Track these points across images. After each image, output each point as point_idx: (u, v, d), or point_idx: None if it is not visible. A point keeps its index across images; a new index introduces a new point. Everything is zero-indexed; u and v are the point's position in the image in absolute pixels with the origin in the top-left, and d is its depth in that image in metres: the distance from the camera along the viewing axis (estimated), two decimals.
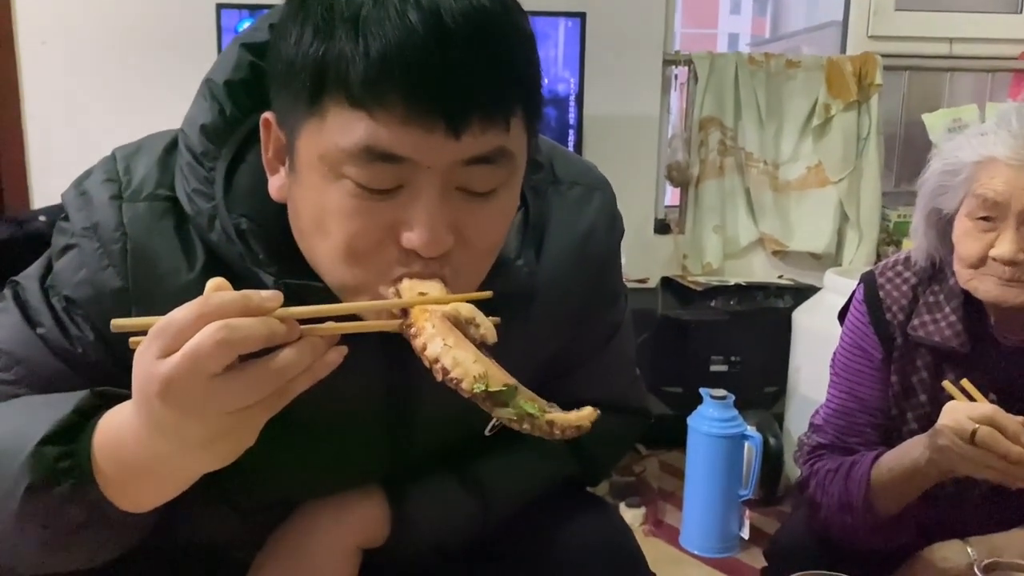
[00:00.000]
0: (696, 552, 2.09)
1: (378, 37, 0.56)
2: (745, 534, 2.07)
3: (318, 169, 0.61)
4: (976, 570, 0.87)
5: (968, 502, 1.10)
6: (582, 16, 2.48)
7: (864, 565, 0.94)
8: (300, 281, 0.67)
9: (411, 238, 0.60)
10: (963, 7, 3.00)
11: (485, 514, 0.87)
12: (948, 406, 0.97)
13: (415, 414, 0.80)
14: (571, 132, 2.56)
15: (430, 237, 0.60)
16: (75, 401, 0.63)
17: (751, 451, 2.09)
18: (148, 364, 0.53)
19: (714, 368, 2.59)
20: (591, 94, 2.58)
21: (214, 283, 0.56)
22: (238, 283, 0.59)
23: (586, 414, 0.59)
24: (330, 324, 0.57)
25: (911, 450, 1.03)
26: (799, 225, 2.91)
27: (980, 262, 1.03)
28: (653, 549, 2.05)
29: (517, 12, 0.63)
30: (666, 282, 2.78)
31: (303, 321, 0.55)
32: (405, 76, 0.57)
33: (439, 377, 0.56)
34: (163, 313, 0.55)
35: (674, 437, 2.25)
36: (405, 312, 0.60)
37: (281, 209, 0.68)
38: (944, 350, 1.09)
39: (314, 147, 0.60)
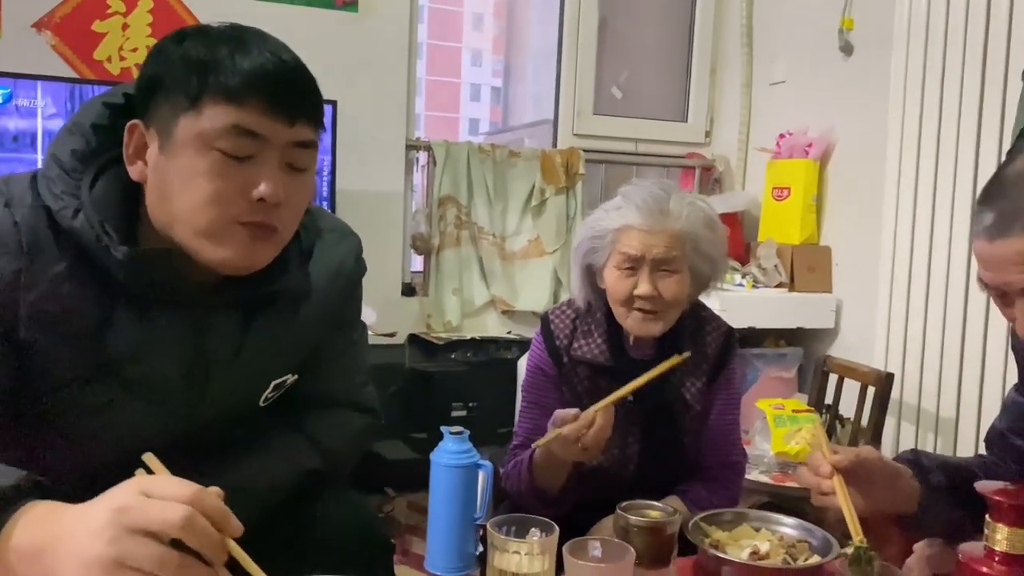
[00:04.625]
0: (439, 573, 2.28)
1: (247, 60, 0.88)
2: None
3: (192, 145, 0.87)
4: (618, 510, 1.20)
5: (622, 482, 1.44)
6: (334, 103, 2.68)
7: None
8: (145, 248, 0.91)
9: (260, 191, 0.89)
10: (645, 115, 3.62)
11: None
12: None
13: (208, 384, 1.00)
14: (325, 204, 2.73)
15: (273, 188, 0.89)
16: (14, 478, 0.71)
17: (484, 478, 2.38)
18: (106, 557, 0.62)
19: (455, 413, 2.86)
20: (343, 171, 2.79)
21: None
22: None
23: None
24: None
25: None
26: (523, 288, 3.28)
27: (629, 300, 1.39)
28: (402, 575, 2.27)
29: None
30: (413, 338, 3.04)
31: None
32: (265, 84, 0.88)
33: None
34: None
35: (420, 480, 2.35)
36: None
37: (125, 210, 0.92)
38: (596, 365, 1.46)
39: (191, 130, 0.87)
